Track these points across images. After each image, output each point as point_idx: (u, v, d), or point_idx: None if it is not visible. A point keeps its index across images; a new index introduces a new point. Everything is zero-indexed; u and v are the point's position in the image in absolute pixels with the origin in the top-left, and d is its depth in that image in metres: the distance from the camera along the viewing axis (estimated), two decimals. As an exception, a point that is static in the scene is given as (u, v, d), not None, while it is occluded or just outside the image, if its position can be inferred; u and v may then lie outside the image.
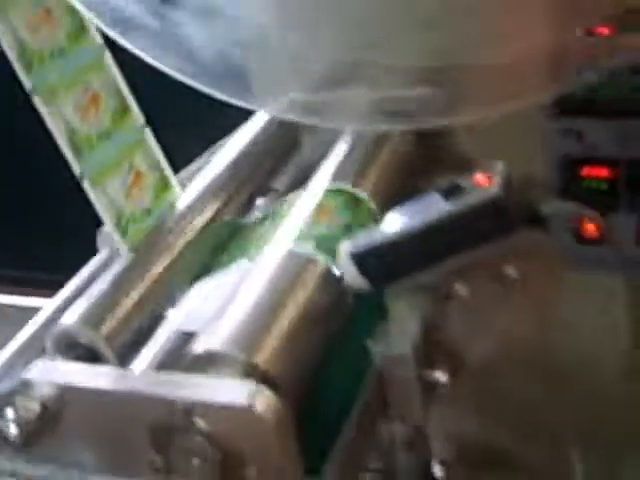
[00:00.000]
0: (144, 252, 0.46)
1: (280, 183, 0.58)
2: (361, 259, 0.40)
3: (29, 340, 0.44)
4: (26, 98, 0.42)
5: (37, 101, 0.41)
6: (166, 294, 0.45)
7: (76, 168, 0.44)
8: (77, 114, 0.44)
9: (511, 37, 0.49)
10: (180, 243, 0.48)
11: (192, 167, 0.56)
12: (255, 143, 0.56)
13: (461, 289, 0.39)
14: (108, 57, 0.46)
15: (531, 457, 0.76)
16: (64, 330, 0.40)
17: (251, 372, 0.36)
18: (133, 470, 0.38)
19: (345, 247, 0.41)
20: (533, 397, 0.68)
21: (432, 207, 0.38)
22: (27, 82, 0.41)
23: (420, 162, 0.56)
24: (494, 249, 0.38)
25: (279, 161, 0.58)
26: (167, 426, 0.35)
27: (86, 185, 0.44)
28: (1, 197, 1.17)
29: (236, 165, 0.54)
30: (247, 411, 0.33)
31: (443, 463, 0.84)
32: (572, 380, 0.64)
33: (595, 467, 0.61)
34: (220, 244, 0.50)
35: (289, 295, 0.41)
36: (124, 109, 0.47)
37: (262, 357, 0.37)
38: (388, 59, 0.56)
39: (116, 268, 0.45)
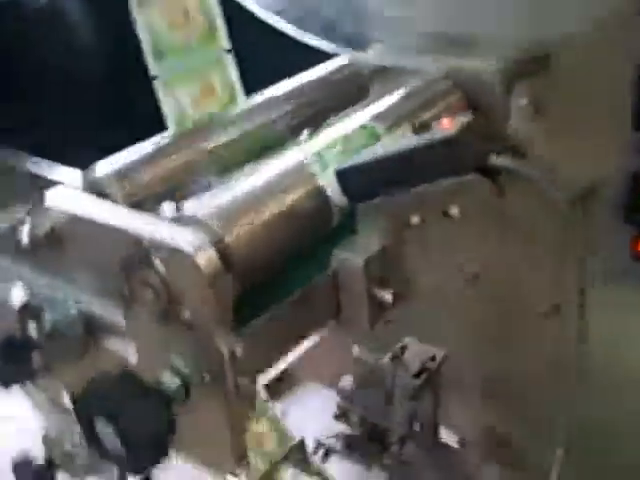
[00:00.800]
0: (188, 135, 0.53)
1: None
2: (342, 175, 0.46)
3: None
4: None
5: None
6: (192, 175, 0.53)
7: (153, 69, 0.51)
8: (166, 22, 0.51)
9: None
10: (223, 138, 0.55)
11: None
12: (324, 80, 0.63)
13: (415, 219, 0.44)
14: None
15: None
16: (93, 178, 0.49)
17: (216, 242, 0.43)
18: (109, 294, 0.46)
19: (334, 166, 0.47)
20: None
21: (404, 141, 0.43)
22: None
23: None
24: (444, 187, 0.42)
25: (342, 102, 0.63)
26: (133, 260, 0.42)
27: (157, 85, 0.52)
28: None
29: (300, 92, 0.60)
30: (189, 258, 0.40)
31: (462, 442, 0.88)
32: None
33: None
34: (256, 150, 0.56)
35: (278, 195, 0.47)
36: (212, 30, 0.54)
37: (231, 234, 0.44)
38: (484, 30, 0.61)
39: (157, 141, 0.53)
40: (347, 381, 0.73)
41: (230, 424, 0.43)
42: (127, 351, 0.47)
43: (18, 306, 0.49)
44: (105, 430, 0.42)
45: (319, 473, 0.71)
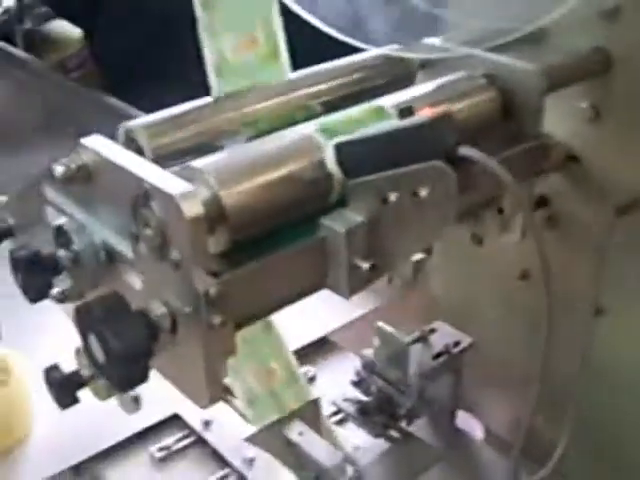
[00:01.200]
0: (226, 100, 0.59)
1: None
2: (338, 149, 0.50)
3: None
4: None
5: None
6: (223, 138, 0.58)
7: (200, 19, 0.56)
8: None
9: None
10: (259, 106, 0.60)
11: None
12: (370, 63, 0.66)
13: (393, 196, 0.47)
14: None
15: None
16: (127, 127, 0.55)
17: (210, 194, 0.49)
18: (123, 230, 0.52)
19: (335, 140, 0.51)
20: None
21: (389, 123, 0.47)
22: None
23: (493, 127, 0.63)
24: (416, 169, 0.45)
25: (386, 85, 0.67)
26: (139, 201, 0.48)
27: (203, 34, 0.57)
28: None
29: (343, 71, 0.65)
30: (175, 203, 0.45)
31: (488, 431, 0.90)
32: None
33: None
34: (289, 121, 0.61)
35: (281, 160, 0.52)
36: None
37: (227, 189, 0.49)
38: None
39: (197, 102, 0.58)
40: (370, 350, 0.77)
41: (205, 362, 0.48)
42: (135, 282, 0.53)
43: (53, 227, 0.56)
44: (95, 345, 0.48)
45: (329, 434, 0.75)
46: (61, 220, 0.56)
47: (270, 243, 0.51)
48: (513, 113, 0.63)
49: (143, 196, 0.48)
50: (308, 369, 0.88)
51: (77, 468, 0.78)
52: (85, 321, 0.49)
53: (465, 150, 0.44)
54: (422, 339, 0.78)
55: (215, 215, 0.49)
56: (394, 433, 0.76)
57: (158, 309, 0.49)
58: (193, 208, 0.45)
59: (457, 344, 0.78)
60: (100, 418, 0.69)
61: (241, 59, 0.58)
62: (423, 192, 0.45)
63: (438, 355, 0.77)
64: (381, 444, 0.76)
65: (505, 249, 0.76)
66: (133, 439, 0.80)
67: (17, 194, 0.78)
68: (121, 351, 0.46)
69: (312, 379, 0.88)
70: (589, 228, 0.72)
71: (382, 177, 0.47)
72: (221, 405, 0.72)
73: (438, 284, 0.92)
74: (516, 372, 0.82)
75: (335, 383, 0.84)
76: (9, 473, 0.77)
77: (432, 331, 0.80)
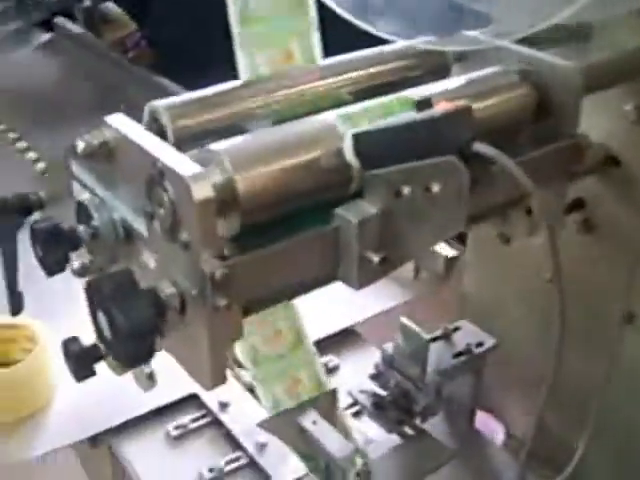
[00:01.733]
0: (256, 83, 0.58)
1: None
2: (356, 139, 0.50)
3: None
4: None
5: None
6: (247, 121, 0.58)
7: None
8: None
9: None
10: (288, 92, 0.59)
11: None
12: (405, 53, 0.65)
13: (406, 190, 0.47)
14: None
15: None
16: (151, 106, 0.55)
17: (224, 177, 0.49)
18: (141, 210, 0.52)
19: (353, 130, 0.51)
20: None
21: (407, 115, 0.46)
22: None
23: (524, 124, 0.61)
24: (430, 164, 0.45)
25: (421, 77, 0.66)
26: (153, 180, 0.49)
27: None
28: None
29: (379, 60, 0.64)
30: (186, 185, 0.45)
31: (510, 435, 0.89)
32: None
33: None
34: (318, 108, 0.60)
35: (300, 147, 0.51)
36: None
37: (242, 173, 0.49)
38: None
39: (225, 85, 0.58)
40: (390, 344, 0.77)
41: (209, 343, 0.48)
42: (149, 261, 0.54)
43: (75, 202, 0.56)
44: (102, 321, 0.49)
45: (343, 426, 0.75)
46: (83, 196, 0.56)
47: (283, 230, 0.51)
48: (549, 111, 0.62)
49: (158, 175, 0.48)
50: (331, 359, 0.88)
51: (94, 439, 0.79)
52: (94, 298, 0.49)
53: (480, 147, 0.43)
54: (444, 337, 0.78)
55: (228, 199, 0.49)
56: (408, 429, 0.75)
57: (168, 289, 0.49)
58: (203, 190, 0.45)
59: (480, 344, 0.77)
60: (120, 392, 0.70)
61: (264, 5, 0.57)
62: (435, 187, 0.45)
63: (459, 354, 0.76)
64: (394, 439, 0.75)
65: (535, 251, 0.75)
66: (151, 415, 0.81)
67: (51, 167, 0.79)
68: (126, 328, 0.47)
69: (335, 369, 0.88)
70: (626, 232, 0.71)
71: (396, 170, 0.47)
72: (238, 387, 0.73)
73: (469, 282, 0.91)
74: (540, 374, 0.80)
75: (357, 375, 0.83)
76: (28, 439, 0.79)
77: (456, 329, 0.79)
